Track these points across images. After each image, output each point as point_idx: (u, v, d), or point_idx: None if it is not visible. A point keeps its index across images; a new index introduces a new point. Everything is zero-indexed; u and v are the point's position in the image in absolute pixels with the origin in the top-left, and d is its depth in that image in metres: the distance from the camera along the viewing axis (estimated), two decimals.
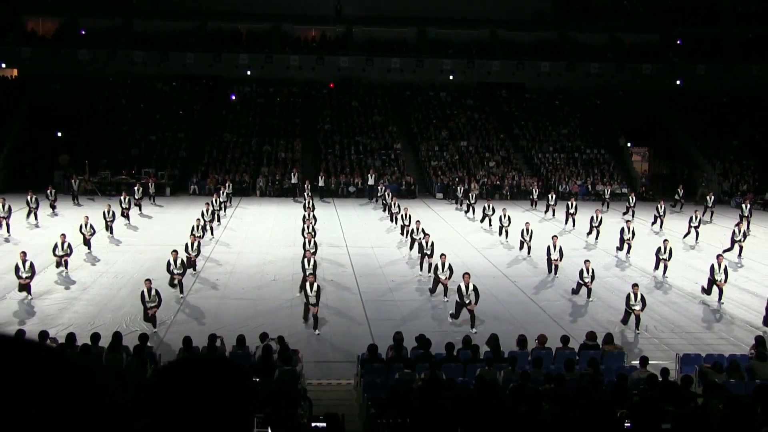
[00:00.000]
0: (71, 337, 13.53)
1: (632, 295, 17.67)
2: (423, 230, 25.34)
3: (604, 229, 29.31)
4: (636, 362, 13.63)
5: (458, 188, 41.66)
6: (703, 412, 8.64)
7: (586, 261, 20.73)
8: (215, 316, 18.05)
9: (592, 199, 42.88)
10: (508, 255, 26.38)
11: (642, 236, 30.00)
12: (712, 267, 20.33)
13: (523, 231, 25.93)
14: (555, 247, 23.10)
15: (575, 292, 20.56)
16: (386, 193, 36.74)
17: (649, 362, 13.08)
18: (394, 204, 32.94)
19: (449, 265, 20.24)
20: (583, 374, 12.36)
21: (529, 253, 25.62)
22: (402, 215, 29.25)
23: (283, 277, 22.14)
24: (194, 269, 22.41)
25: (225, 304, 19.27)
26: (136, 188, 35.45)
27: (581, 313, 19.45)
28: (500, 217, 28.80)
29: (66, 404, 1.09)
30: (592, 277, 20.21)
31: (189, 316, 18.25)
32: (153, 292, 16.88)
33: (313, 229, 26.13)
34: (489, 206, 32.19)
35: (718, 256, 20.92)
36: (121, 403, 1.17)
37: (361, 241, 28.61)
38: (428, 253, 22.69)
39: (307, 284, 17.65)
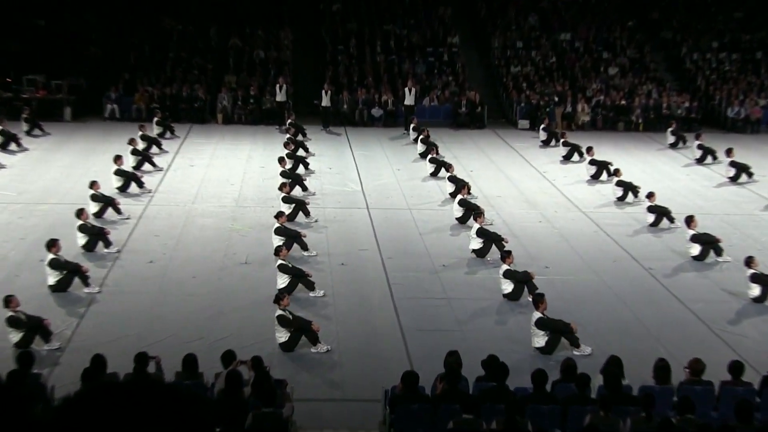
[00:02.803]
0: None
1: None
2: (466, 203, 25.31)
3: None
4: None
5: (555, 113, 41.32)
6: None
7: (750, 259, 20.55)
8: (146, 324, 18.11)
9: None
10: (635, 222, 26.41)
11: None
12: None
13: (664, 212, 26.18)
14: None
15: (759, 300, 20.33)
16: (416, 130, 36.46)
17: None
18: (432, 150, 32.74)
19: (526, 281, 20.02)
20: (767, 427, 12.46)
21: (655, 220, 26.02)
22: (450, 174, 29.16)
23: (261, 259, 22.14)
24: (106, 244, 22.54)
25: (163, 303, 19.33)
26: (24, 115, 36.01)
27: (764, 323, 19.22)
28: (616, 183, 29.08)
29: None
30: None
31: (102, 323, 18.23)
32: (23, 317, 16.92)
33: (300, 183, 26.24)
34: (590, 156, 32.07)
35: None
36: None
37: (393, 198, 28.90)
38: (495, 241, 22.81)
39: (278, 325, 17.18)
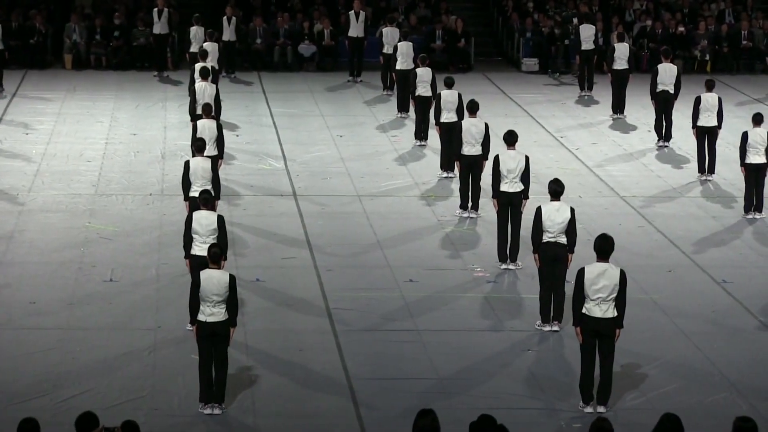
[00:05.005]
0: None
1: None
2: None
3: None
4: None
5: (581, 45, 39.53)
6: None
7: None
8: None
9: None
10: (702, 212, 26.32)
11: None
12: None
13: None
14: None
15: None
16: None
17: None
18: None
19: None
20: None
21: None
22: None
23: (132, 274, 21.71)
24: None
25: None
26: None
27: None
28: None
29: None
30: None
31: None
32: None
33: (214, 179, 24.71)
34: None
35: None
36: None
37: (334, 180, 28.93)
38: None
39: None
